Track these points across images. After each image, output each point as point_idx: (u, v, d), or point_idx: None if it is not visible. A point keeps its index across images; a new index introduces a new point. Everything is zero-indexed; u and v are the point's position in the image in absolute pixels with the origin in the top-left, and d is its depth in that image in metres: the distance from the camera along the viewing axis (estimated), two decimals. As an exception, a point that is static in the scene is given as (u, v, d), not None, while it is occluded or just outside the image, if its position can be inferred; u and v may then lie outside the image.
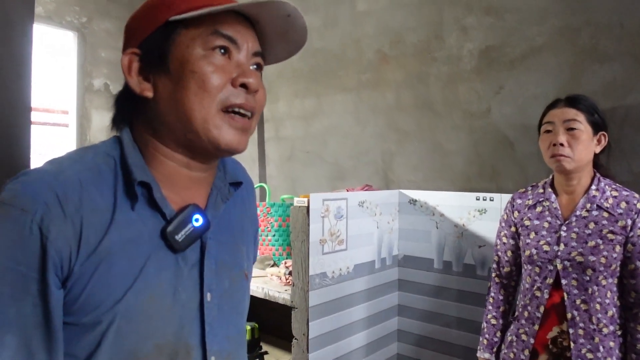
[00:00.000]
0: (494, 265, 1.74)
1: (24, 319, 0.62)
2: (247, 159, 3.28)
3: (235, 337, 0.81)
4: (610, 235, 1.43)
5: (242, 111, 0.73)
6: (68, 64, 3.46)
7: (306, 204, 1.83)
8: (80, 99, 3.45)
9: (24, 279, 0.62)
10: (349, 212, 1.99)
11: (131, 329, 0.68)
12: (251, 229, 0.95)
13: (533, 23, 1.97)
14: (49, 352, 0.64)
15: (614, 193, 1.48)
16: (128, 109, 0.78)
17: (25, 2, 1.31)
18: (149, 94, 0.73)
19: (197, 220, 0.74)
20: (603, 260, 1.43)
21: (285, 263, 2.24)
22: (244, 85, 0.72)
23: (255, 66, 0.77)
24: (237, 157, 2.84)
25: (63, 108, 3.49)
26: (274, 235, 2.42)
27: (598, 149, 1.51)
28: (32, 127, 3.46)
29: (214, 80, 0.70)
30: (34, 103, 3.29)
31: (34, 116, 3.35)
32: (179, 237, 0.72)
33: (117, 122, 0.79)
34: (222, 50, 0.72)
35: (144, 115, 0.76)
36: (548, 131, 1.51)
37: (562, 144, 1.46)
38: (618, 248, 1.43)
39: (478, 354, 1.71)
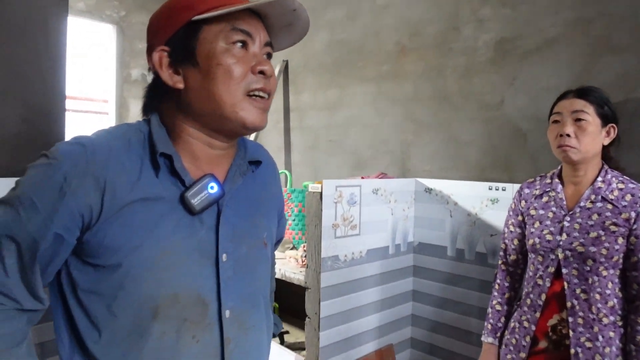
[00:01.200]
0: (501, 253, 1.76)
1: (26, 240, 0.75)
2: (273, 147, 3.39)
3: (248, 297, 0.91)
4: (612, 227, 1.44)
5: (261, 94, 0.85)
6: (108, 55, 3.65)
7: (320, 190, 1.92)
8: (119, 89, 3.64)
9: (34, 210, 0.75)
10: (362, 199, 2.07)
11: (149, 276, 0.79)
12: (274, 206, 1.06)
13: (547, 14, 1.98)
14: (32, 273, 0.77)
15: (620, 185, 1.48)
16: (157, 98, 0.90)
17: None
18: (180, 85, 0.84)
19: (212, 188, 0.84)
20: (604, 251, 1.44)
21: (304, 246, 2.33)
22: (261, 72, 0.84)
23: (266, 55, 0.89)
24: (265, 145, 2.97)
25: (103, 97, 3.70)
26: (293, 220, 2.52)
27: (606, 141, 1.51)
28: (75, 115, 3.68)
29: (237, 71, 0.82)
30: (76, 93, 3.51)
31: (77, 105, 3.56)
32: (195, 201, 0.82)
33: (147, 110, 0.92)
34: (241, 44, 0.84)
35: (174, 102, 0.87)
36: (556, 122, 1.52)
37: (568, 135, 1.46)
38: (620, 240, 1.43)
39: (482, 338, 1.75)
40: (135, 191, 0.80)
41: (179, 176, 0.83)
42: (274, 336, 1.21)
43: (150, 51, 0.87)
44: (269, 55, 0.90)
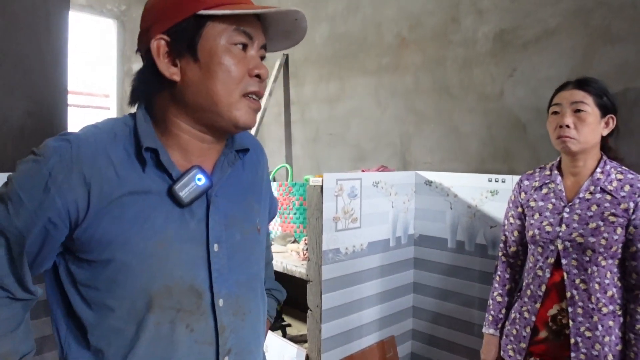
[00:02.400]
0: (501, 245, 1.77)
1: (14, 234, 0.77)
2: (274, 140, 3.40)
3: (245, 282, 0.92)
4: (611, 218, 1.45)
5: (254, 96, 0.86)
6: (109, 50, 3.65)
7: (320, 183, 1.93)
8: (120, 83, 3.65)
9: (22, 205, 0.77)
10: (363, 192, 2.07)
11: (141, 269, 0.80)
12: (265, 188, 1.07)
13: (547, 5, 1.97)
14: (21, 265, 0.79)
15: (619, 176, 1.48)
16: (148, 87, 0.88)
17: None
18: (177, 77, 0.83)
19: (200, 180, 0.84)
20: (603, 241, 1.44)
21: (305, 240, 2.34)
22: (257, 76, 0.85)
23: (260, 58, 0.89)
24: (266, 138, 2.98)
25: (105, 92, 3.70)
26: (295, 214, 2.53)
27: (605, 132, 1.51)
28: (76, 110, 3.68)
29: (237, 71, 0.83)
30: (78, 87, 3.52)
31: (78, 100, 3.57)
32: (184, 193, 0.83)
33: (134, 99, 0.91)
34: (241, 46, 0.84)
35: (166, 94, 0.86)
36: (555, 112, 1.53)
37: (567, 126, 1.47)
38: (619, 230, 1.44)
39: (483, 330, 1.76)
40: (123, 185, 0.80)
41: (166, 170, 0.84)
42: (279, 303, 1.24)
43: (145, 36, 0.85)
44: (262, 58, 0.90)
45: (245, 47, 0.84)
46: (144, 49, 0.86)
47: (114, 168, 0.80)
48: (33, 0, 1.37)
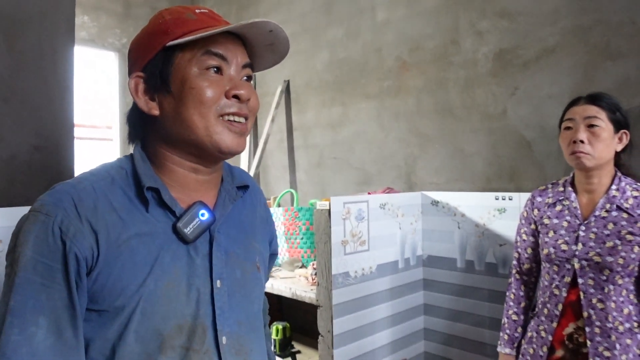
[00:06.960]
0: (514, 262, 1.74)
1: (53, 302, 0.73)
2: (278, 167, 3.41)
3: (245, 322, 0.89)
4: (629, 237, 1.42)
5: (236, 118, 0.83)
6: (111, 82, 3.69)
7: (328, 207, 1.93)
8: (122, 115, 3.67)
9: (50, 269, 0.73)
10: (370, 214, 2.07)
11: (154, 310, 0.78)
12: (264, 230, 1.06)
13: (545, 24, 2.00)
14: (75, 330, 0.75)
15: (635, 193, 1.46)
16: (139, 126, 0.88)
17: (66, 30, 1.47)
18: (156, 112, 0.83)
19: (203, 215, 0.83)
20: (621, 260, 1.42)
21: (313, 264, 2.33)
22: (236, 96, 0.83)
23: (246, 77, 0.88)
24: (269, 165, 2.97)
25: (107, 124, 3.73)
26: (302, 239, 2.52)
27: (619, 147, 1.49)
28: (80, 142, 3.70)
29: (209, 94, 0.80)
30: (81, 120, 3.54)
31: (82, 132, 3.59)
32: (188, 230, 0.82)
33: (131, 138, 0.91)
34: (215, 69, 0.82)
35: (154, 131, 0.86)
36: (568, 128, 1.50)
37: (582, 141, 1.45)
38: (637, 249, 1.41)
39: (498, 349, 1.72)
40: (128, 228, 0.79)
41: (169, 207, 0.83)
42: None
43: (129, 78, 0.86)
44: (249, 78, 0.88)
45: (220, 70, 0.83)
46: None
47: (117, 212, 0.79)
48: (39, 37, 1.39)
